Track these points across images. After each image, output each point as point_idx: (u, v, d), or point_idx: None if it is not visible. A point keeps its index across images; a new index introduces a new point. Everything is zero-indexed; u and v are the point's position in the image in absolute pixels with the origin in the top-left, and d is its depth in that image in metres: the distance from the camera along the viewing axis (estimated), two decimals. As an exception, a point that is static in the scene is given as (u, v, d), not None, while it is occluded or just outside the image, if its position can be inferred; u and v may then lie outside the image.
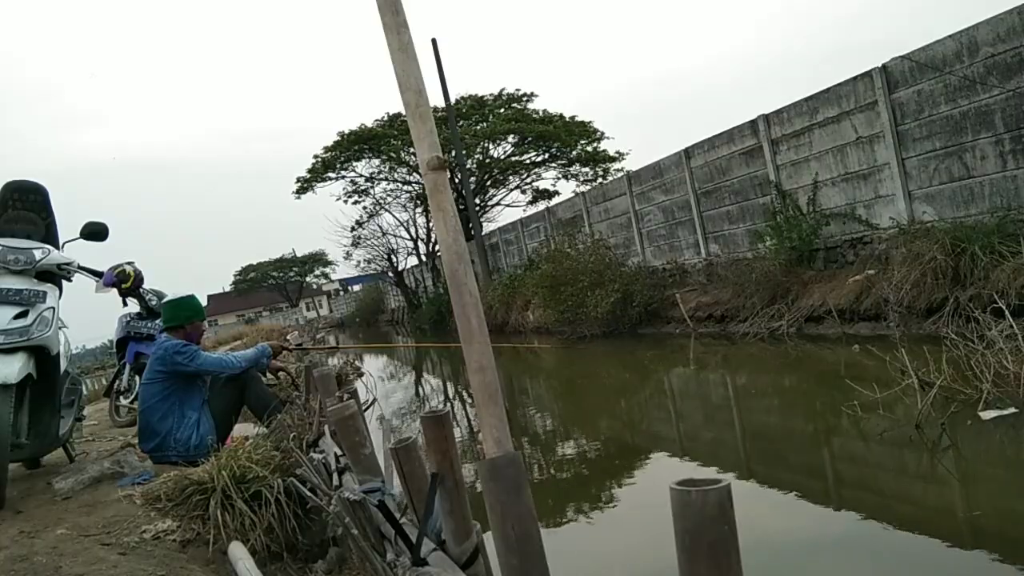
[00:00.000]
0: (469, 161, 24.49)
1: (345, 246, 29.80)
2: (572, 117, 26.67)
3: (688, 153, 12.45)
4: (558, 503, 4.64)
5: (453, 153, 23.49)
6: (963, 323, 5.53)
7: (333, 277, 57.14)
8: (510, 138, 26.00)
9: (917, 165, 8.36)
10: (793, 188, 10.15)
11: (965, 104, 7.62)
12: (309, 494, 2.43)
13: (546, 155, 27.18)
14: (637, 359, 10.55)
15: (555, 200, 25.00)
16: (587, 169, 27.15)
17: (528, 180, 27.82)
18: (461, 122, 23.03)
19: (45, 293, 3.75)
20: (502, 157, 26.06)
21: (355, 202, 28.85)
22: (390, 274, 29.75)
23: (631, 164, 25.25)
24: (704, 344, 10.03)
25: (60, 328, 3.87)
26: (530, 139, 26.06)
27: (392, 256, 28.76)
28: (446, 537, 1.64)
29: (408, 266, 30.08)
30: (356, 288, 49.64)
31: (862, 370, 5.95)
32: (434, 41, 21.30)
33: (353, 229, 28.94)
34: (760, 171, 10.79)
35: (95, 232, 4.32)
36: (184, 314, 4.60)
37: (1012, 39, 7.05)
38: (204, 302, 6.05)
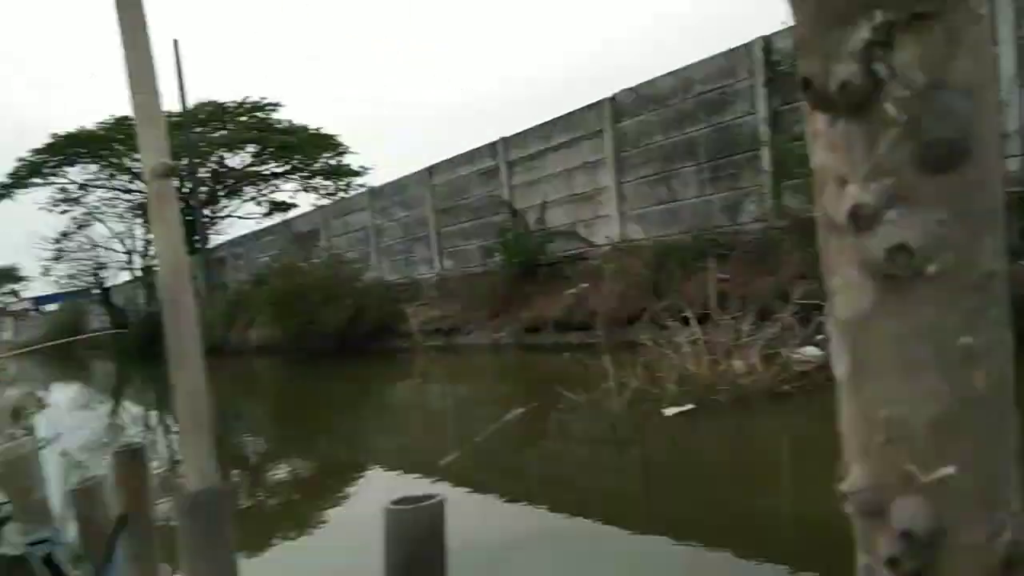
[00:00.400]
0: (202, 170, 22.87)
1: (45, 260, 26.45)
2: (317, 129, 25.97)
3: (431, 171, 12.63)
4: (267, 533, 4.33)
5: (185, 160, 21.78)
6: (658, 330, 6.14)
7: (24, 295, 50.28)
8: (250, 147, 24.73)
9: (632, 189, 9.16)
10: (525, 207, 10.66)
11: (676, 135, 8.49)
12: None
13: (287, 167, 26.20)
14: (362, 375, 10.43)
15: (293, 213, 24.14)
16: (329, 183, 26.54)
17: (266, 192, 26.60)
18: (197, 129, 21.41)
19: None
20: (240, 167, 24.69)
21: (63, 211, 25.74)
22: (96, 291, 26.78)
23: (377, 180, 25.16)
24: (430, 357, 10.18)
25: None
26: (271, 149, 24.98)
27: (100, 271, 25.95)
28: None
29: (119, 282, 27.31)
30: (52, 307, 44.01)
31: (571, 376, 6.34)
32: (175, 42, 19.67)
33: (57, 241, 25.77)
34: (496, 190, 11.21)
35: None
36: None
37: (720, 79, 7.98)
38: None
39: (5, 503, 2.02)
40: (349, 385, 10.03)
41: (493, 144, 11.24)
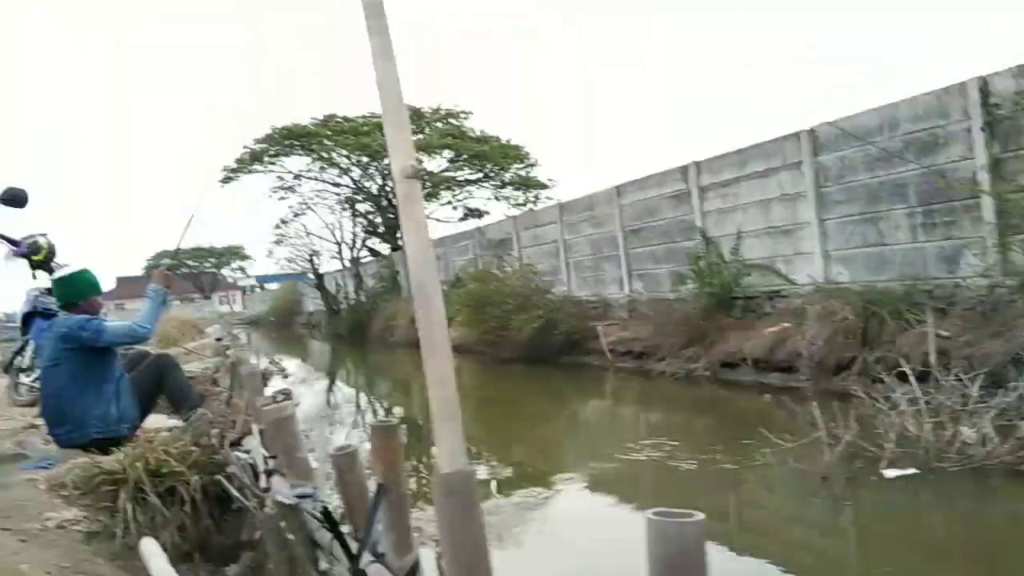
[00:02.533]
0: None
1: (268, 243, 29.20)
2: (508, 140, 26.93)
3: (620, 190, 12.74)
4: (502, 523, 4.64)
5: (387, 161, 23.35)
6: (870, 383, 5.82)
7: (251, 272, 55.79)
8: (445, 153, 26.04)
9: (835, 227, 8.77)
10: (717, 236, 10.50)
11: (882, 175, 8.07)
12: (237, 494, 2.39)
13: (480, 174, 27.32)
14: (553, 387, 10.67)
15: (486, 220, 25.10)
16: (519, 193, 27.39)
17: (460, 197, 27.88)
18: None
19: None
20: (436, 171, 26.05)
21: (281, 199, 28.32)
22: (310, 276, 29.22)
23: (558, 193, 25.65)
24: (621, 378, 10.22)
25: None
26: (465, 157, 26.16)
27: (314, 258, 28.29)
28: (385, 550, 1.65)
29: (330, 270, 29.63)
30: (273, 286, 48.52)
31: (773, 419, 6.20)
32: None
33: (277, 227, 28.39)
34: (687, 216, 11.13)
35: (16, 198, 4.15)
36: (76, 292, 4.35)
37: (929, 119, 7.53)
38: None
39: (273, 457, 2.41)
40: (541, 395, 10.34)
41: (684, 168, 11.15)
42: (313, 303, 33.05)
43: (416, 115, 25.07)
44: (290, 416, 2.10)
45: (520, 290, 13.11)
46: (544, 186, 27.11)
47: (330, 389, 13.64)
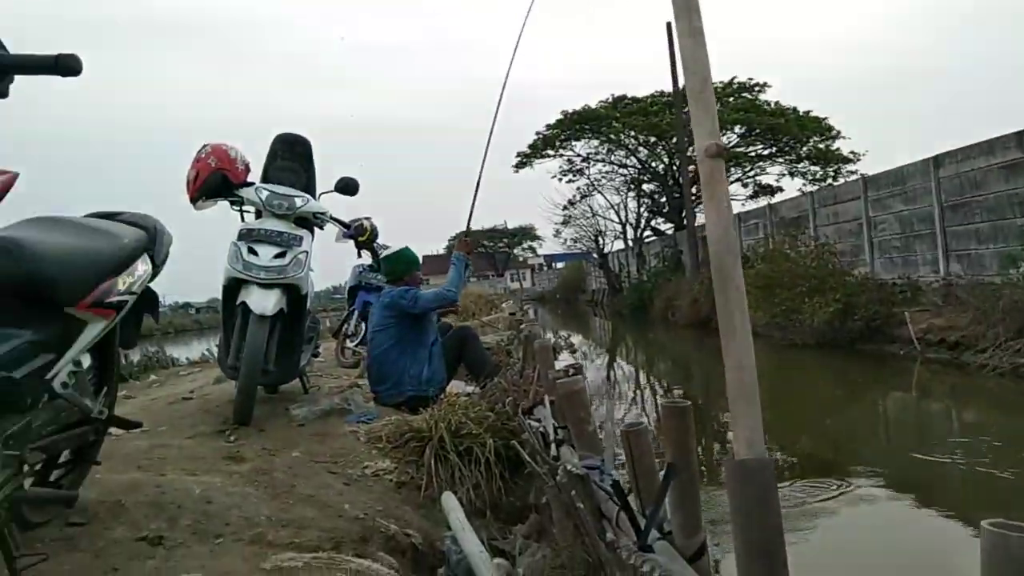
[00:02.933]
0: (690, 148, 23.91)
1: (556, 223, 30.32)
2: (807, 112, 25.25)
3: (937, 162, 11.38)
4: (788, 514, 4.43)
5: (674, 140, 23.06)
6: None
7: (539, 252, 58.43)
8: (736, 128, 25.10)
9: None
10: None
11: None
12: (529, 459, 2.51)
13: (773, 149, 25.99)
14: (854, 376, 9.88)
15: (778, 197, 23.87)
16: (816, 168, 25.64)
17: (751, 173, 26.77)
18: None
19: (301, 237, 4.12)
20: (726, 147, 25.20)
21: (569, 181, 29.22)
22: (595, 255, 29.89)
23: (866, 167, 23.57)
24: (930, 371, 9.18)
25: (309, 271, 4.24)
26: (758, 131, 25.01)
27: (599, 238, 28.88)
28: (672, 529, 1.62)
29: (613, 249, 30.07)
30: (559, 265, 50.42)
31: None
32: (668, 25, 20.94)
33: (565, 208, 29.35)
34: (1022, 189, 9.65)
35: (347, 186, 4.68)
36: (401, 267, 4.95)
37: None
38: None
39: (563, 428, 2.48)
40: (835, 383, 9.66)
41: (1020, 133, 9.59)
42: (596, 281, 33.82)
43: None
44: (581, 390, 2.15)
45: (815, 271, 12.28)
46: (846, 159, 25.13)
47: (611, 365, 13.88)
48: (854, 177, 14.71)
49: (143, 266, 2.32)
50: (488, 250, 59.04)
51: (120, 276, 2.16)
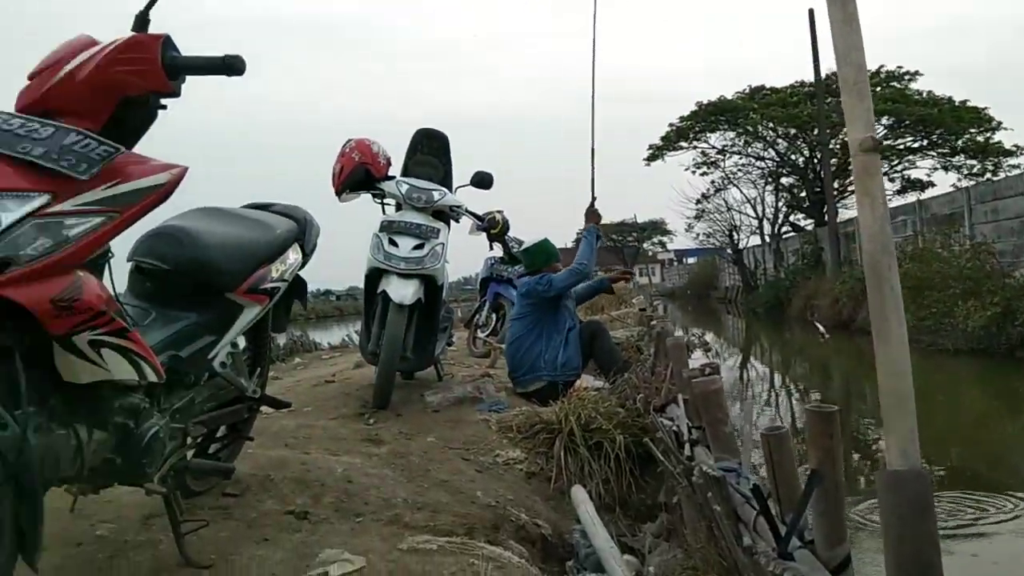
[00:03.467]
0: (833, 141, 22.81)
1: (688, 217, 29.68)
2: (963, 102, 23.49)
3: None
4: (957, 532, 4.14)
5: (816, 131, 22.05)
6: None
7: (669, 247, 57.38)
8: (884, 120, 23.67)
9: None
10: None
11: None
12: (662, 458, 2.48)
13: (924, 142, 24.37)
14: (1015, 386, 9.13)
15: (929, 192, 22.39)
16: (974, 162, 23.84)
17: (898, 167, 25.21)
18: (830, 99, 21.47)
19: (438, 230, 4.24)
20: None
21: (703, 174, 28.49)
22: (728, 251, 29.04)
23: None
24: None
25: (445, 262, 4.35)
26: (907, 123, 23.51)
27: (734, 233, 28.03)
28: (815, 538, 1.56)
29: (748, 245, 29.12)
30: (691, 260, 49.36)
31: None
32: (811, 12, 20.07)
33: (698, 202, 28.66)
34: None
35: (483, 181, 4.78)
36: (540, 259, 5.03)
37: None
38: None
39: (697, 428, 2.43)
40: (992, 393, 8.96)
41: None
42: (730, 278, 32.87)
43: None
44: (718, 389, 2.10)
45: (970, 272, 11.43)
46: (1008, 152, 23.22)
47: (744, 365, 13.46)
48: (1017, 171, 13.56)
49: (294, 255, 2.46)
50: (616, 244, 58.55)
51: (274, 264, 2.30)
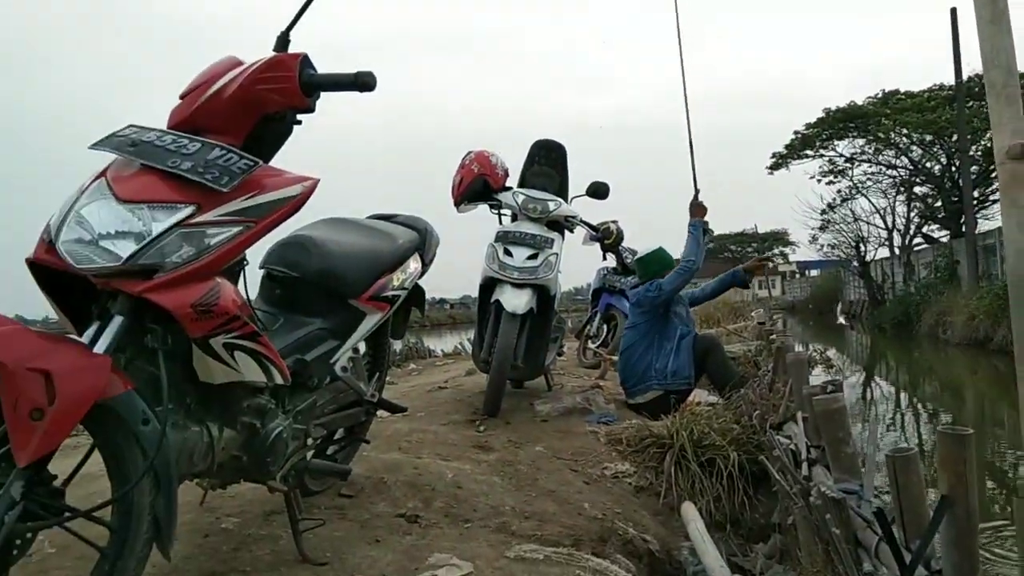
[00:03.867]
0: (974, 147, 21.42)
1: (812, 228, 28.52)
2: None
3: None
4: None
5: (955, 138, 20.79)
6: None
7: (791, 258, 55.38)
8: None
9: None
10: None
11: None
12: (779, 477, 2.39)
13: (1078, 149, 22.50)
14: None
15: (1082, 203, 20.65)
16: None
17: (1046, 176, 23.37)
18: (971, 103, 20.19)
19: (552, 240, 4.26)
20: None
21: (829, 183, 27.31)
22: (855, 263, 27.71)
23: None
24: None
25: (558, 273, 4.37)
26: (1058, 128, 21.78)
27: (860, 244, 26.72)
28: (943, 568, 1.47)
29: (876, 257, 27.69)
30: (813, 273, 47.43)
31: None
32: (953, 11, 18.94)
33: (823, 212, 27.51)
34: None
35: (598, 191, 4.77)
36: (654, 267, 4.99)
37: None
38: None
39: (816, 447, 2.34)
40: None
41: None
42: (855, 291, 31.38)
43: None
44: (841, 408, 2.01)
45: None
46: None
47: (867, 383, 12.81)
48: None
49: (414, 264, 2.54)
50: (735, 255, 57.00)
51: (395, 273, 2.37)
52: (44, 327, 1.65)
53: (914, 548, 1.49)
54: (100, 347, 1.48)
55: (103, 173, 1.62)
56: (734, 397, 4.03)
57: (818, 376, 5.39)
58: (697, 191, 5.06)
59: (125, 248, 1.49)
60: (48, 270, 1.54)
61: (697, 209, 5.01)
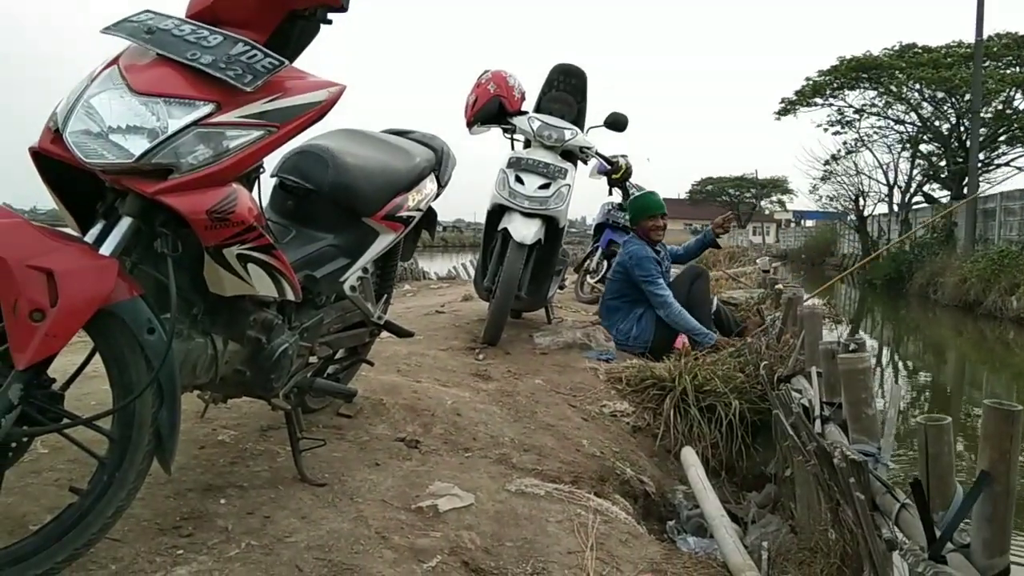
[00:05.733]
0: (985, 108, 21.07)
1: (813, 178, 28.29)
2: None
3: None
4: None
5: (968, 97, 20.45)
6: None
7: (788, 207, 55.19)
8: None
9: None
10: None
11: None
12: (791, 431, 2.35)
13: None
14: None
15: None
16: None
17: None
18: (988, 63, 19.76)
19: (566, 171, 4.13)
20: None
21: (835, 133, 26.93)
22: (852, 217, 27.61)
23: None
24: None
25: (568, 204, 4.25)
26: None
27: (860, 198, 26.57)
28: (972, 543, 1.43)
29: (874, 213, 27.57)
30: (809, 223, 47.32)
31: None
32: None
33: (826, 163, 27.24)
34: None
35: (617, 123, 4.61)
36: (634, 211, 4.94)
37: None
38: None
39: (831, 404, 2.29)
40: None
41: None
42: (849, 245, 31.33)
43: (1016, 43, 21.16)
44: (866, 368, 1.95)
45: None
46: None
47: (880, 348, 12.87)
48: None
49: (430, 185, 2.42)
50: (732, 199, 56.64)
51: (411, 193, 2.26)
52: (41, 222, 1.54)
53: (946, 521, 1.44)
54: (106, 249, 1.39)
55: (115, 60, 1.48)
56: (741, 346, 3.98)
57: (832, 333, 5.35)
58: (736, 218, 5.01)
59: (138, 145, 1.37)
60: (52, 162, 1.42)
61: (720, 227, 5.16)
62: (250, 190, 1.61)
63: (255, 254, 1.55)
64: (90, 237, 1.42)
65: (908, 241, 22.58)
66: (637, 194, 5.23)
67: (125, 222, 1.42)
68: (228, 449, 2.27)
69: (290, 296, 1.73)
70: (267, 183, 2.07)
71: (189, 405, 2.15)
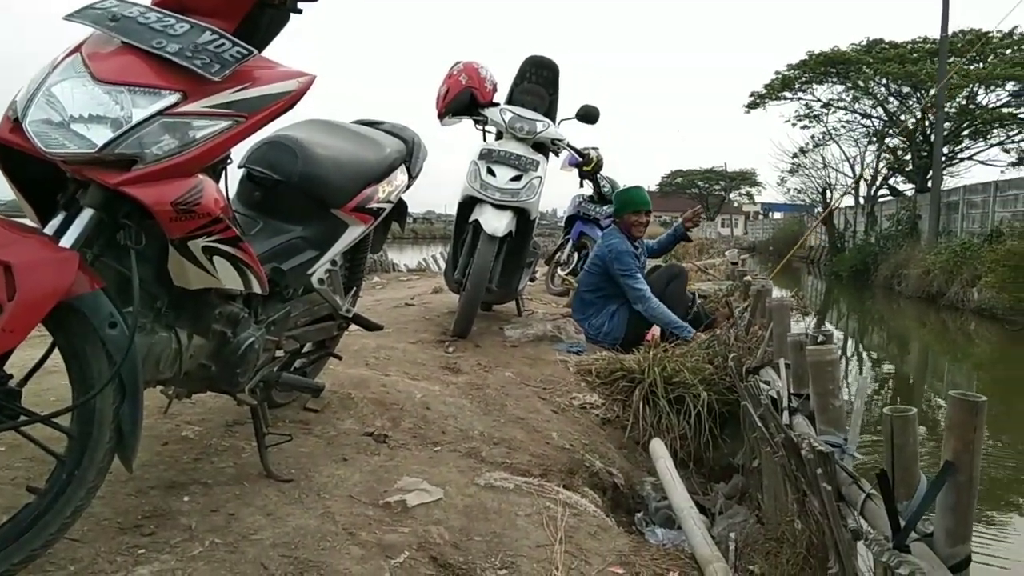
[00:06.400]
0: (949, 104, 21.44)
1: (781, 171, 28.69)
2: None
3: None
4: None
5: (932, 92, 20.78)
6: None
7: (756, 199, 55.75)
8: (1008, 85, 22.11)
9: None
10: None
11: None
12: (759, 422, 2.37)
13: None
14: None
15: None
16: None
17: (1018, 138, 23.63)
18: (952, 59, 20.10)
19: (537, 163, 4.12)
20: (992, 106, 22.34)
21: (804, 127, 27.32)
22: (819, 209, 27.99)
23: None
24: None
25: (539, 196, 4.24)
26: (1034, 90, 21.88)
27: (827, 191, 26.97)
28: (935, 532, 1.45)
29: (841, 206, 27.97)
30: (777, 216, 47.89)
31: None
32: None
33: (794, 156, 27.60)
34: None
35: (589, 115, 4.60)
36: (619, 205, 4.98)
37: None
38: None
39: (798, 395, 2.31)
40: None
41: None
42: (816, 238, 31.73)
43: (978, 39, 21.52)
44: (833, 360, 1.97)
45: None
46: None
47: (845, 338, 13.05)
48: None
49: (401, 176, 2.40)
50: (702, 191, 57.06)
51: (381, 184, 2.24)
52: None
53: (910, 510, 1.46)
54: (67, 241, 1.35)
55: (78, 48, 1.44)
56: (710, 337, 4.01)
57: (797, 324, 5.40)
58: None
59: (100, 134, 1.33)
60: (11, 151, 1.38)
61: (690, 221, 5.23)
62: (217, 181, 1.58)
63: (221, 246, 1.52)
64: (50, 229, 1.38)
65: (874, 233, 22.94)
66: (625, 187, 5.23)
67: (87, 213, 1.38)
68: (192, 445, 2.24)
69: (256, 289, 1.70)
70: (234, 174, 2.03)
71: (152, 400, 2.11)
